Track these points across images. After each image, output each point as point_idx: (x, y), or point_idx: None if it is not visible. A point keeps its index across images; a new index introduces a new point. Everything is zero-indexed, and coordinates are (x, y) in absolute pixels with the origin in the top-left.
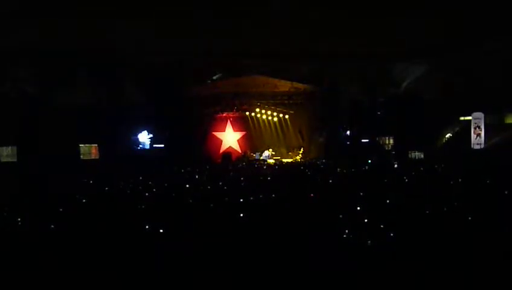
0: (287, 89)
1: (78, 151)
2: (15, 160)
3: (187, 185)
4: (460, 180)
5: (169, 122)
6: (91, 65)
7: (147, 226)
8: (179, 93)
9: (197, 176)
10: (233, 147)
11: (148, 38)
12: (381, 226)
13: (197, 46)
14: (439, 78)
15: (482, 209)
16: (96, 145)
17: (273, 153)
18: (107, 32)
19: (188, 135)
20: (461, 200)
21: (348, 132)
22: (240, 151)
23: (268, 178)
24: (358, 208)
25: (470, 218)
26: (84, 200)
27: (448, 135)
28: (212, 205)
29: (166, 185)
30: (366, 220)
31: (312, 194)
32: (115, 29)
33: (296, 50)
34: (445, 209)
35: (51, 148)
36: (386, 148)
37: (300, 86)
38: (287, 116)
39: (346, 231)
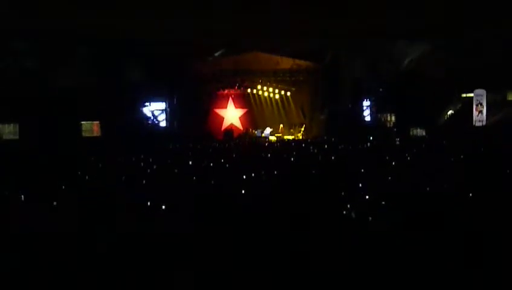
0: (289, 66)
1: (79, 129)
2: (17, 137)
3: (189, 162)
4: (462, 157)
5: (170, 99)
6: (91, 42)
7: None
8: (180, 70)
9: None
10: (234, 124)
11: (148, 17)
12: (383, 203)
13: (198, 24)
14: (441, 55)
15: (483, 186)
16: (97, 122)
17: (276, 131)
18: (106, 11)
19: (190, 111)
20: (462, 178)
21: (350, 110)
22: (242, 129)
23: (269, 155)
24: (360, 185)
25: (470, 195)
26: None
27: (450, 112)
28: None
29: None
30: (367, 197)
31: (314, 171)
32: (114, 7)
33: (297, 27)
34: (445, 186)
35: (52, 126)
36: (388, 125)
37: (302, 63)
38: (288, 94)
39: (348, 208)
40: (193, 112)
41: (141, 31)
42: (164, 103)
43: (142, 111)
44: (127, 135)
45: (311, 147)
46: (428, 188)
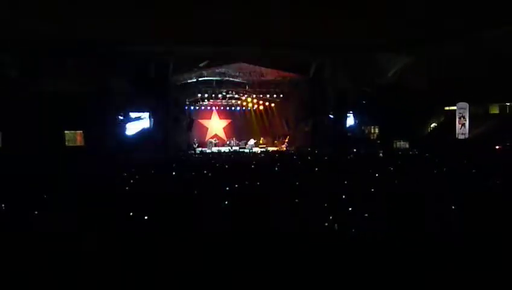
0: (274, 78)
1: (62, 138)
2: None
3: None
4: (444, 169)
5: (154, 109)
6: (75, 50)
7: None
8: (164, 81)
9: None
10: (218, 134)
11: (133, 26)
12: (365, 214)
13: (184, 34)
14: (424, 68)
15: (465, 198)
16: (81, 132)
17: (260, 142)
18: (91, 19)
19: (174, 121)
20: (443, 190)
21: (334, 121)
22: (225, 139)
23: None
24: (343, 197)
25: (453, 207)
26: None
27: (433, 125)
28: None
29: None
30: (350, 209)
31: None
32: (98, 16)
33: (283, 39)
34: (426, 198)
35: (35, 134)
36: (372, 137)
37: (286, 74)
38: (273, 105)
39: (330, 219)
40: (177, 122)
41: (126, 38)
42: (147, 113)
43: (126, 121)
44: (111, 145)
45: (295, 158)
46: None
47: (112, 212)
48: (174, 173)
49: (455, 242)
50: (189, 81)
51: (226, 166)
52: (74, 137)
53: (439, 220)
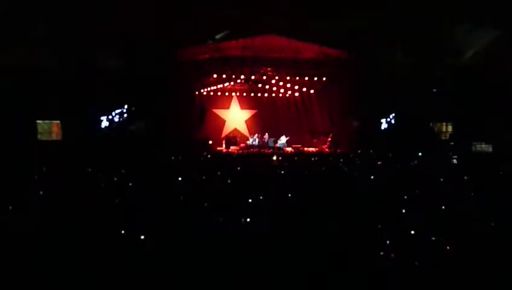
0: (314, 56)
1: (34, 130)
2: None
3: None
4: None
5: (153, 95)
6: (53, 20)
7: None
8: (167, 56)
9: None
10: (239, 129)
11: None
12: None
13: None
14: None
15: None
16: (58, 122)
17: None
18: None
19: (179, 112)
20: None
21: (393, 115)
22: (248, 136)
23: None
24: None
25: None
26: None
27: None
28: None
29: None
30: (412, 232)
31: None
32: None
33: (328, 2)
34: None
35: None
36: (443, 138)
37: (332, 51)
38: (312, 92)
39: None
40: (184, 112)
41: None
42: (145, 100)
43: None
44: (95, 139)
45: (340, 164)
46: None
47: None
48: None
49: None
50: (201, 57)
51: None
52: (49, 129)
53: None
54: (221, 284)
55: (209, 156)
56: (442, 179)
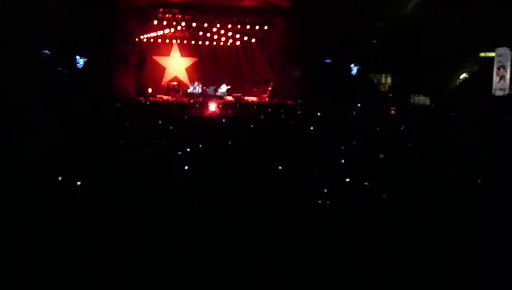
0: (255, 4)
1: None
2: None
3: None
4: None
5: (89, 40)
6: None
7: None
8: (107, 2)
9: None
10: (180, 77)
11: None
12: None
13: None
14: (457, 0)
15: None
16: None
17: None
18: None
19: (116, 57)
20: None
21: (333, 65)
22: (189, 84)
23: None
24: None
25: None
26: None
27: (463, 76)
28: None
29: None
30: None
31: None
32: None
33: None
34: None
35: None
36: (382, 89)
37: (273, 0)
38: (253, 40)
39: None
40: (122, 58)
41: None
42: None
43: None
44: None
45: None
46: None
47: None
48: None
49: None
50: (142, 3)
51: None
52: None
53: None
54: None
55: (148, 103)
56: (379, 130)
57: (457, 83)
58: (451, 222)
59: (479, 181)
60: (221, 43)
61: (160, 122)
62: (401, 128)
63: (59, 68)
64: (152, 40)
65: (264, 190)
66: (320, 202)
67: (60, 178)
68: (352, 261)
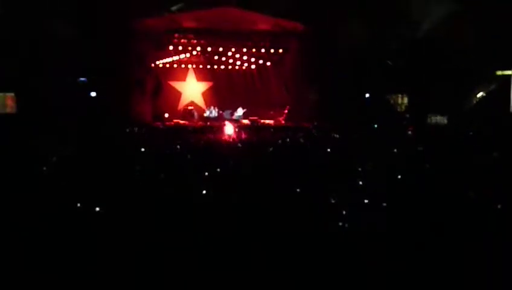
0: (270, 28)
1: None
2: None
3: None
4: (495, 155)
5: (108, 65)
6: None
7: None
8: (122, 27)
9: None
10: (196, 101)
11: None
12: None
13: None
14: (472, 19)
15: None
16: (12, 94)
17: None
18: None
19: (134, 83)
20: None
21: (349, 87)
22: (205, 108)
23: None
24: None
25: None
26: None
27: (480, 94)
28: None
29: None
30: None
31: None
32: None
33: None
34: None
35: None
36: (399, 110)
37: (287, 23)
38: (268, 64)
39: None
40: (140, 83)
41: None
42: (100, 70)
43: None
44: (52, 113)
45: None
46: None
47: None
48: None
49: None
50: (157, 29)
51: None
52: (3, 102)
53: None
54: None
55: (164, 128)
56: (396, 151)
57: (475, 102)
58: (469, 243)
59: (499, 206)
60: (237, 67)
61: (178, 147)
62: (419, 148)
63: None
64: (168, 65)
65: (282, 213)
66: (340, 224)
67: (78, 205)
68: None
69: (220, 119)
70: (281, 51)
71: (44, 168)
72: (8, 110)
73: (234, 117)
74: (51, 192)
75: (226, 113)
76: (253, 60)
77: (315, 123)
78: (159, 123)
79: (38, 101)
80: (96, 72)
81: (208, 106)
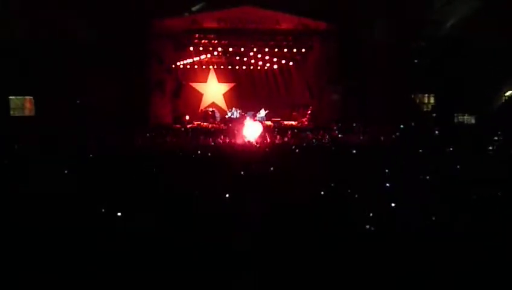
0: (293, 27)
1: (7, 105)
2: None
3: None
4: None
5: (128, 67)
6: None
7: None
8: (142, 28)
9: None
10: (217, 103)
11: None
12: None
13: None
14: (500, 15)
15: None
16: (31, 97)
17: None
18: None
19: (153, 85)
20: None
21: (373, 86)
22: (227, 109)
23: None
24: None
25: None
26: None
27: (508, 93)
28: None
29: None
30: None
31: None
32: None
33: None
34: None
35: None
36: (425, 109)
37: (311, 22)
38: (291, 63)
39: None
40: (159, 85)
41: None
42: (119, 72)
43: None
44: (69, 115)
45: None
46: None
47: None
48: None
49: None
50: (177, 30)
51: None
52: (22, 104)
53: None
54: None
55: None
56: (422, 151)
57: (503, 101)
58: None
59: None
60: (259, 67)
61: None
62: (446, 149)
63: None
64: (188, 66)
65: (308, 215)
66: (367, 227)
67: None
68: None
69: (242, 121)
70: (303, 50)
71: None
72: (27, 112)
73: (256, 118)
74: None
75: (249, 115)
76: (275, 59)
77: (339, 124)
78: (179, 126)
79: (56, 104)
80: (115, 73)
81: (230, 107)
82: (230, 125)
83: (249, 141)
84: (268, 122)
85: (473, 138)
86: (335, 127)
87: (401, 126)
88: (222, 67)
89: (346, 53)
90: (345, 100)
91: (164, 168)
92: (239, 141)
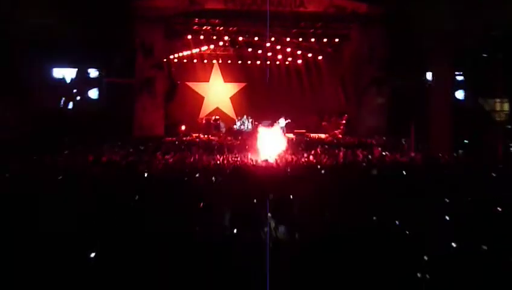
0: (322, 9)
1: None
2: None
3: None
4: None
5: (108, 61)
6: None
7: None
8: (123, 9)
9: None
10: (222, 109)
11: None
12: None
13: None
14: None
15: None
16: None
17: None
18: None
19: (138, 84)
20: None
21: (428, 88)
22: (235, 118)
23: None
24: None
25: None
26: None
27: None
28: None
29: None
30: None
31: None
32: None
33: None
34: None
35: None
36: (497, 118)
37: (347, 3)
38: (320, 58)
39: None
40: (146, 83)
41: None
42: (97, 67)
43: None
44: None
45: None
46: None
47: None
48: None
49: None
50: (171, 12)
51: None
52: None
53: None
54: None
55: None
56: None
57: None
58: None
59: None
60: (277, 62)
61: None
62: None
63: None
64: (185, 60)
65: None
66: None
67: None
68: None
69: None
70: (337, 40)
71: None
72: None
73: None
74: None
75: (264, 125)
76: (299, 52)
77: (384, 138)
78: (172, 138)
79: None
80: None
81: (239, 115)
82: (239, 138)
83: (266, 161)
84: (290, 135)
85: None
86: (378, 141)
87: (465, 141)
88: (229, 62)
89: (395, 44)
90: (392, 106)
91: None
92: (251, 160)
